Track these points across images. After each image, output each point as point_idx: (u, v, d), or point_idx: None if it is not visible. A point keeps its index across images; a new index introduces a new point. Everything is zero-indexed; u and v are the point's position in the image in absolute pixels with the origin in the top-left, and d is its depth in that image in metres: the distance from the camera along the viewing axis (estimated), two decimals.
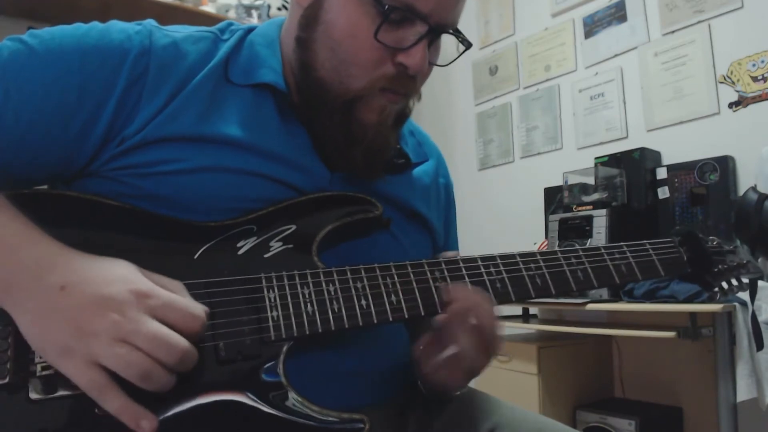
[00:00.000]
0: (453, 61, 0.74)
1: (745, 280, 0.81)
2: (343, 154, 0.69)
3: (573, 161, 2.43)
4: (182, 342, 0.50)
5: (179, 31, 0.69)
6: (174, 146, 0.63)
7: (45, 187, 0.66)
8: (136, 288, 0.51)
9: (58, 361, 0.49)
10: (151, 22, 0.68)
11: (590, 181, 2.11)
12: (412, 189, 0.80)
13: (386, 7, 0.62)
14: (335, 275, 0.62)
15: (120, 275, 0.52)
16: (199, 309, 0.53)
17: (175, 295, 0.52)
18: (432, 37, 0.66)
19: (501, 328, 0.65)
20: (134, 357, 0.48)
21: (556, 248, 0.73)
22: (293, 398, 0.56)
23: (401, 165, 0.78)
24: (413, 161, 0.80)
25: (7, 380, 0.50)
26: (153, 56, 0.64)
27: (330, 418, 0.56)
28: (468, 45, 0.71)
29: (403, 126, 0.76)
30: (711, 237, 0.82)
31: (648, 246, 0.76)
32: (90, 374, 0.48)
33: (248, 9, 2.33)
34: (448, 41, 0.71)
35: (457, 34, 0.69)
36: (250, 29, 0.74)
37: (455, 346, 0.62)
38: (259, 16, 2.32)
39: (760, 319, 1.50)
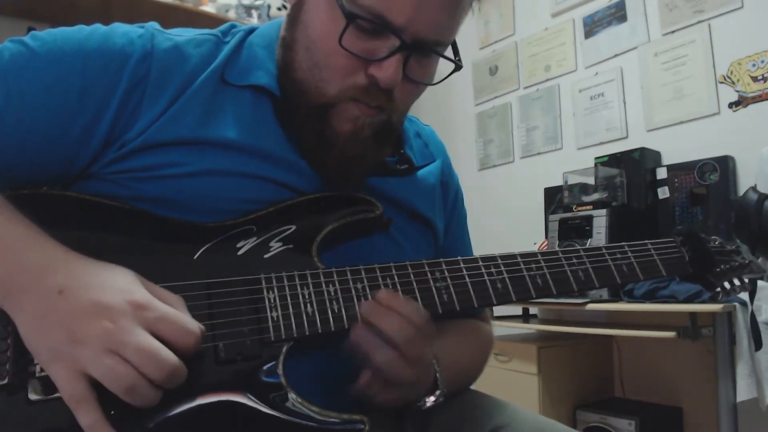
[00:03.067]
0: (441, 81, 0.70)
1: (747, 280, 0.81)
2: (316, 159, 0.68)
3: (573, 161, 2.43)
4: (172, 358, 0.48)
5: (182, 34, 0.68)
6: (174, 150, 0.63)
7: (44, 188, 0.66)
8: (133, 298, 0.50)
9: (48, 366, 0.49)
10: (153, 25, 0.67)
11: (590, 181, 2.11)
12: (416, 190, 0.79)
13: (348, 13, 0.60)
14: (335, 276, 0.62)
15: (119, 284, 0.51)
16: (194, 326, 0.52)
17: (172, 309, 0.51)
18: (409, 52, 0.62)
19: (421, 335, 0.60)
20: (121, 369, 0.47)
21: (557, 248, 0.73)
22: (293, 399, 0.56)
23: (404, 170, 0.78)
24: (417, 165, 0.80)
25: (6, 381, 0.50)
26: (155, 60, 0.63)
27: (330, 419, 0.55)
28: (458, 67, 0.68)
29: (389, 141, 0.72)
30: (713, 237, 0.81)
31: (650, 246, 0.76)
32: (73, 383, 0.47)
33: (248, 9, 2.33)
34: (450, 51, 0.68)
35: (442, 53, 0.66)
36: (251, 30, 0.74)
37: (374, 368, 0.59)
38: (259, 16, 2.32)
39: (760, 319, 1.50)
